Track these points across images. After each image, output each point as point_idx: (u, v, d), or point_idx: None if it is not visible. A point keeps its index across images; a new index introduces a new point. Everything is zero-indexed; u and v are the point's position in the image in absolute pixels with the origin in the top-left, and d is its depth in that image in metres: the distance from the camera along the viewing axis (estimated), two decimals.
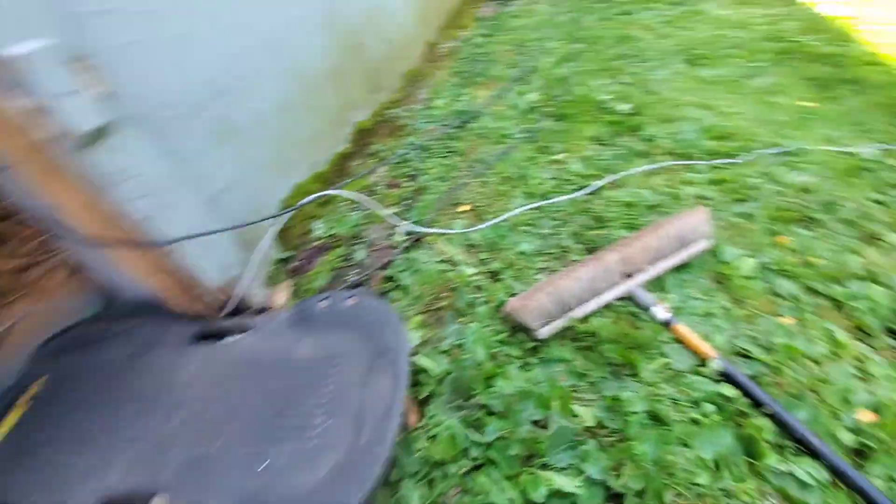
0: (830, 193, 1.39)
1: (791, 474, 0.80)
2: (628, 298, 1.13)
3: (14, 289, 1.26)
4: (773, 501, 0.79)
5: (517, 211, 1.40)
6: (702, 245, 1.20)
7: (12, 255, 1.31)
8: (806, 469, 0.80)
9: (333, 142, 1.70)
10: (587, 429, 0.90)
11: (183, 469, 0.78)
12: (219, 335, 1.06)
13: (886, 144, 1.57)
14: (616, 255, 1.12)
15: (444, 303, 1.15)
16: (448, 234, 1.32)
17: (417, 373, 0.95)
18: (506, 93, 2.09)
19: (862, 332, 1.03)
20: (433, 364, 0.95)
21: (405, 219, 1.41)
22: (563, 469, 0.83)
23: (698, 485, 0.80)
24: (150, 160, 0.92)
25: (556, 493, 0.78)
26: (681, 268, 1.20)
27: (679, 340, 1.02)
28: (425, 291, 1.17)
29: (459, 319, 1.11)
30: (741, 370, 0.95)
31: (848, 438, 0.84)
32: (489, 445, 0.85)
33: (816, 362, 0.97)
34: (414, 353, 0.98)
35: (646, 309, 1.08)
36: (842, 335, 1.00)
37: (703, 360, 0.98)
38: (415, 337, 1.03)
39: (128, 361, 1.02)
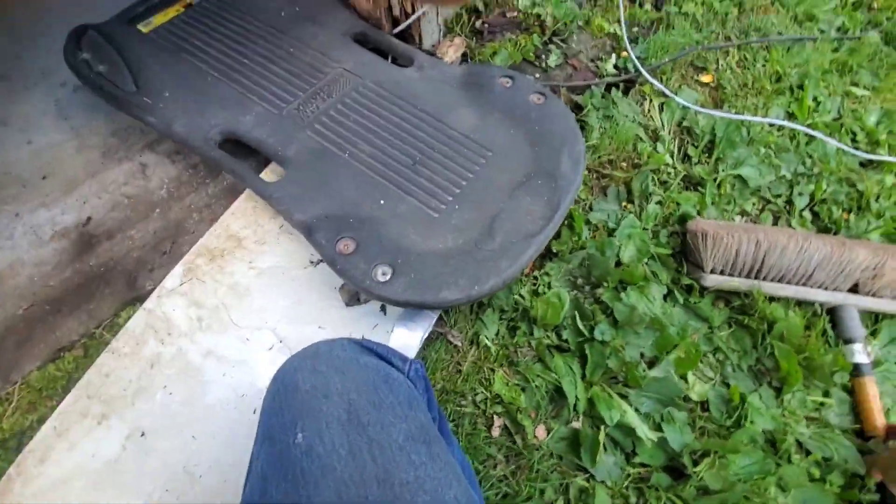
0: None
1: None
2: (832, 311, 0.80)
3: None
4: None
5: (769, 121, 0.95)
6: None
7: None
8: None
9: None
10: (688, 399, 0.71)
11: (308, 155, 0.67)
12: (378, 50, 0.84)
13: None
14: (864, 255, 0.75)
15: (617, 173, 0.86)
16: (671, 98, 0.92)
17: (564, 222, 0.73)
18: None
19: None
20: (579, 226, 0.73)
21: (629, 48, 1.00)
22: (640, 413, 0.67)
23: None
24: None
25: (624, 427, 0.64)
26: None
27: (853, 394, 0.74)
28: (606, 148, 0.87)
29: (624, 203, 0.84)
30: None
31: None
32: (588, 341, 0.68)
33: None
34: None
35: (847, 341, 0.76)
36: None
37: (866, 433, 0.71)
38: None
39: (284, 20, 0.85)
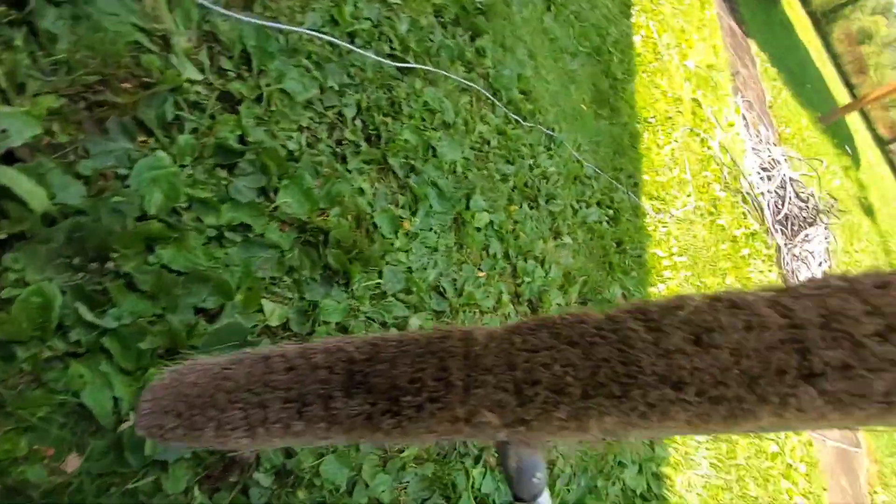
0: (555, 187, 1.67)
1: None
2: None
3: None
4: None
5: (307, 30, 0.97)
6: None
7: None
8: None
9: None
10: (269, 328, 0.76)
11: None
12: None
13: (600, 170, 2.01)
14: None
15: (118, 98, 0.68)
16: None
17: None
18: None
19: (517, 298, 1.31)
20: (38, 191, 0.54)
21: None
22: None
23: None
24: None
25: None
26: (440, 193, 1.16)
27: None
28: (87, 63, 0.65)
29: (141, 139, 0.69)
30: (432, 305, 1.02)
31: None
32: (109, 331, 0.57)
33: (483, 312, 1.16)
34: (4, 159, 0.53)
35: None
36: (505, 297, 1.23)
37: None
38: (23, 130, 0.56)
39: None
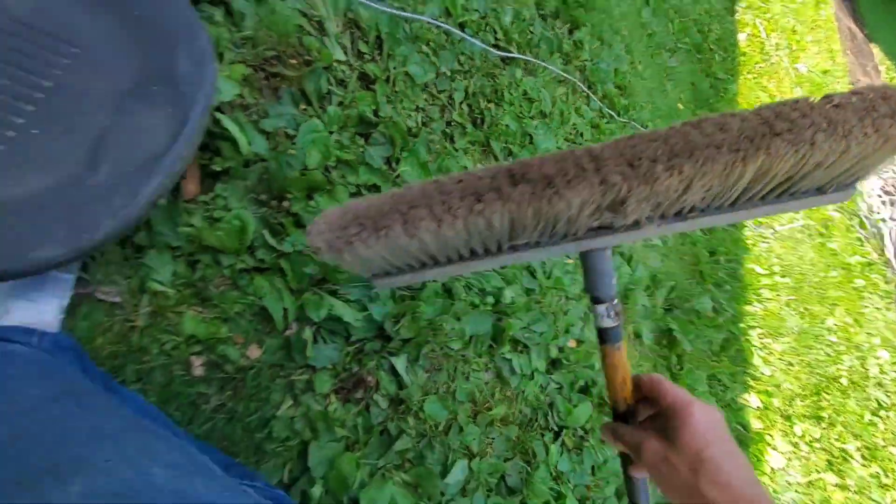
0: None
1: (509, 361, 1.03)
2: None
3: None
4: (490, 375, 1.01)
5: (427, 19, 1.12)
6: None
7: None
8: (520, 362, 1.04)
9: None
10: None
11: None
12: None
13: None
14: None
15: (288, 72, 0.86)
16: None
17: (215, 136, 0.70)
18: None
19: None
20: (243, 137, 0.71)
21: None
22: (349, 301, 0.81)
23: (450, 348, 0.93)
24: None
25: (334, 318, 0.77)
26: None
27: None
28: (266, 40, 0.84)
29: (302, 106, 0.86)
30: (523, 281, 1.11)
31: (554, 352, 1.13)
32: (284, 255, 0.74)
33: (568, 298, 1.23)
34: (217, 109, 0.71)
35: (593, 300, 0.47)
36: None
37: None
38: (228, 90, 0.74)
39: None
